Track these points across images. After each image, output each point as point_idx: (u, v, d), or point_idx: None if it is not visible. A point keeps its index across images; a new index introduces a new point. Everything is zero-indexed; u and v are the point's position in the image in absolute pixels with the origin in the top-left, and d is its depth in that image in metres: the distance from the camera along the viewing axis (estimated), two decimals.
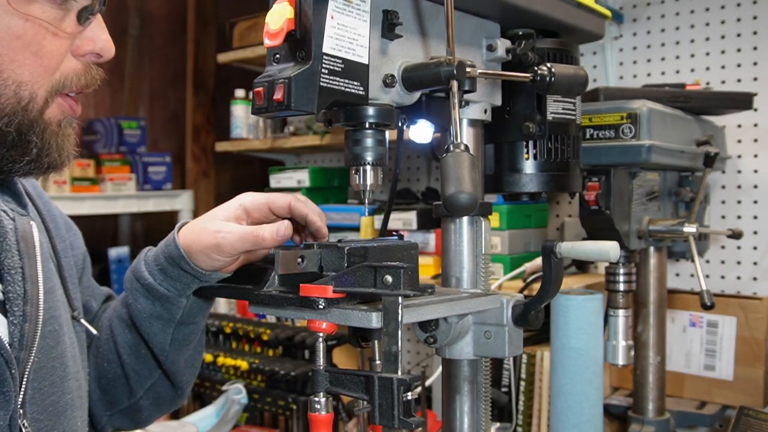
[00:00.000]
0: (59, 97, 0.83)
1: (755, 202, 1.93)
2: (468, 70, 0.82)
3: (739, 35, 1.94)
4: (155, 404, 1.07)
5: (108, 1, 0.83)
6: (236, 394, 2.05)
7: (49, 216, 1.00)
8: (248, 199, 0.91)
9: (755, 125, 1.93)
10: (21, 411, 0.81)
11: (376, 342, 0.91)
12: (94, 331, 0.99)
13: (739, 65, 1.94)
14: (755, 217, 1.93)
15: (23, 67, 0.77)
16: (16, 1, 0.75)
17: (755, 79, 1.92)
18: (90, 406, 1.05)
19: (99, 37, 0.84)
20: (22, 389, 0.81)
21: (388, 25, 0.85)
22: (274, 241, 0.86)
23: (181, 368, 1.04)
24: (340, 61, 0.80)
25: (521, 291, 1.72)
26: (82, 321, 0.97)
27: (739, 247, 1.95)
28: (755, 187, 1.93)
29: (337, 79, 0.80)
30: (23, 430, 0.81)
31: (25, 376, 0.82)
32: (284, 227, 0.86)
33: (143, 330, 0.97)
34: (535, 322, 0.90)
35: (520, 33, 1.02)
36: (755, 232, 1.93)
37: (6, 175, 0.84)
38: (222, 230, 0.88)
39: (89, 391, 1.05)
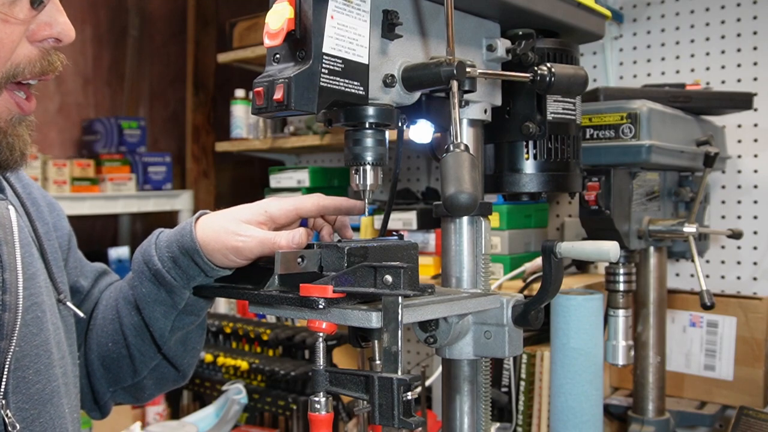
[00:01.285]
0: (7, 92, 0.79)
1: (755, 202, 1.93)
2: (468, 70, 0.82)
3: (739, 35, 1.94)
4: (158, 384, 1.08)
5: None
6: (236, 394, 2.05)
7: (29, 199, 0.99)
8: (275, 206, 0.90)
9: (755, 125, 1.93)
10: (3, 401, 0.81)
11: (376, 342, 0.91)
12: (81, 314, 0.98)
13: (739, 65, 1.94)
14: (755, 217, 1.93)
15: None
16: None
17: (755, 79, 1.92)
18: (93, 382, 1.06)
19: (56, 21, 0.79)
20: (4, 379, 0.81)
21: (388, 25, 0.85)
22: (289, 249, 0.86)
23: (181, 352, 1.04)
24: (340, 61, 0.80)
25: (521, 291, 1.72)
26: (69, 304, 0.96)
27: (739, 247, 1.95)
28: (755, 187, 1.93)
29: (337, 79, 0.80)
30: (6, 420, 0.81)
31: (6, 365, 0.82)
32: (299, 235, 0.86)
33: (145, 313, 0.97)
34: (535, 322, 0.90)
35: (520, 33, 1.02)
36: (755, 232, 1.93)
37: None
38: (243, 234, 0.87)
39: (92, 368, 1.05)
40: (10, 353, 0.82)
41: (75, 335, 1.01)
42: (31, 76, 0.80)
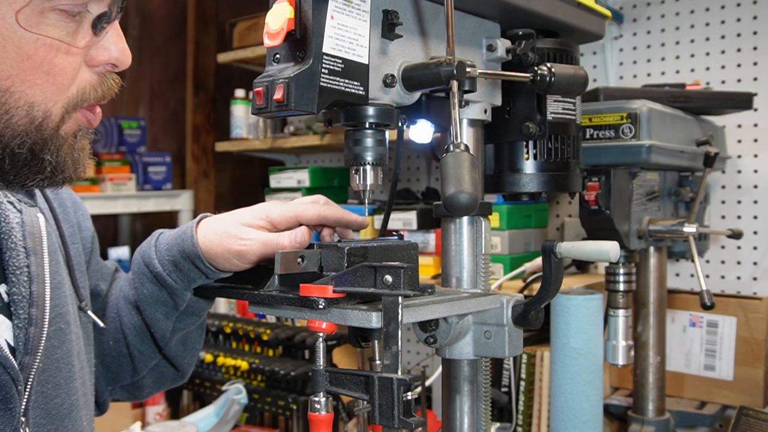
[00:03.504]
0: (77, 111, 0.78)
1: (755, 202, 1.93)
2: (468, 70, 0.82)
3: (739, 35, 1.94)
4: (157, 383, 1.08)
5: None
6: (236, 394, 2.05)
7: (56, 200, 0.98)
8: (276, 212, 0.90)
9: (755, 125, 1.93)
10: (23, 419, 0.79)
11: (376, 342, 0.91)
12: (102, 324, 0.98)
13: (739, 65, 1.94)
14: (755, 217, 1.93)
15: (35, 87, 0.71)
16: (26, 20, 0.68)
17: (755, 79, 1.92)
18: None
19: (115, 46, 0.78)
20: (26, 395, 0.80)
21: (388, 25, 0.85)
22: (292, 248, 0.86)
23: (182, 352, 1.04)
24: (340, 61, 0.80)
25: (521, 291, 1.72)
26: (89, 313, 0.96)
27: (739, 247, 1.95)
28: (755, 187, 1.93)
29: (337, 79, 0.80)
30: None
31: (30, 381, 0.80)
32: (301, 234, 0.86)
33: (146, 314, 0.97)
34: (535, 322, 0.90)
35: (520, 33, 1.02)
36: (755, 232, 1.93)
37: (18, 188, 0.79)
38: (245, 237, 0.87)
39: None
40: (35, 368, 0.81)
41: (93, 343, 1.00)
42: (95, 101, 0.79)
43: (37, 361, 0.81)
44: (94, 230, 1.08)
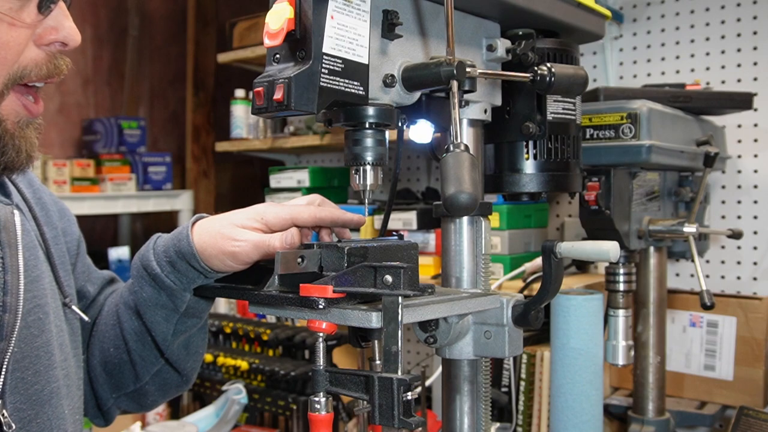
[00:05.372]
0: (14, 93, 0.80)
1: (755, 202, 1.93)
2: (468, 70, 0.82)
3: (739, 35, 1.94)
4: (161, 389, 1.08)
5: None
6: (236, 394, 2.05)
7: (39, 204, 1.00)
8: (271, 214, 0.90)
9: (755, 125, 1.93)
10: (0, 401, 0.82)
11: (376, 342, 0.91)
12: (86, 318, 0.99)
13: (739, 65, 1.94)
14: (755, 217, 1.93)
15: None
16: None
17: (755, 79, 1.92)
18: (96, 388, 1.07)
19: (62, 26, 0.81)
20: (2, 380, 0.82)
21: (388, 25, 0.85)
22: (282, 249, 0.86)
23: (184, 356, 1.05)
24: (340, 61, 0.80)
25: (521, 291, 1.72)
26: (74, 308, 0.97)
27: (739, 247, 1.95)
28: (755, 187, 1.93)
29: (337, 79, 0.80)
30: (2, 420, 0.82)
31: (5, 366, 0.83)
32: (290, 236, 0.87)
33: (147, 318, 0.98)
34: (535, 322, 0.90)
35: (520, 33, 1.02)
36: (755, 232, 1.93)
37: None
38: (238, 239, 0.88)
39: (95, 374, 1.06)
40: (9, 354, 0.83)
41: (80, 339, 1.01)
42: (37, 78, 0.81)
43: (12, 346, 0.83)
44: (80, 234, 1.10)
